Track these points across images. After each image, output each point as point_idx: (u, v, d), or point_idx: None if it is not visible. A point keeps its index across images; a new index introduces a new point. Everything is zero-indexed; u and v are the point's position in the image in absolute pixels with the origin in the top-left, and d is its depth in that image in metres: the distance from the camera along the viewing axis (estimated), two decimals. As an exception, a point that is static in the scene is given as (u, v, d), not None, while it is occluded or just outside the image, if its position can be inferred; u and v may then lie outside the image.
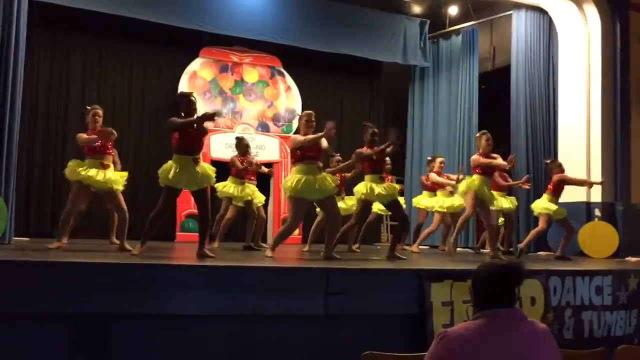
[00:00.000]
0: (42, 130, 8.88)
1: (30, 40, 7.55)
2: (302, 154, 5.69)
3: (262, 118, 10.13)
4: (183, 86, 9.52)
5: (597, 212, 8.71)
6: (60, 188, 8.83)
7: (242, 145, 7.55)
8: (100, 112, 6.10)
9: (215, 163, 9.01)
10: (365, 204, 6.45)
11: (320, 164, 5.80)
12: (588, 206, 8.80)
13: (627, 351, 3.44)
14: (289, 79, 10.30)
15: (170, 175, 5.16)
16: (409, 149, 11.09)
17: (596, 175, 8.67)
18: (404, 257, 6.21)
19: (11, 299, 3.54)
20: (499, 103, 10.09)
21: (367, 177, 6.33)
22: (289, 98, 10.30)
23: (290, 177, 5.72)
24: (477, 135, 7.13)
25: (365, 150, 6.33)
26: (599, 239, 8.26)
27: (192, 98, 5.46)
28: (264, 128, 10.10)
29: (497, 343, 2.30)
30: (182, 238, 8.88)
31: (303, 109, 10.16)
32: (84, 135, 5.97)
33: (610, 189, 8.80)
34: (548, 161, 8.09)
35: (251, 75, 10.13)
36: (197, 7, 9.06)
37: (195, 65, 9.72)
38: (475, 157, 6.88)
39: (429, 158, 8.97)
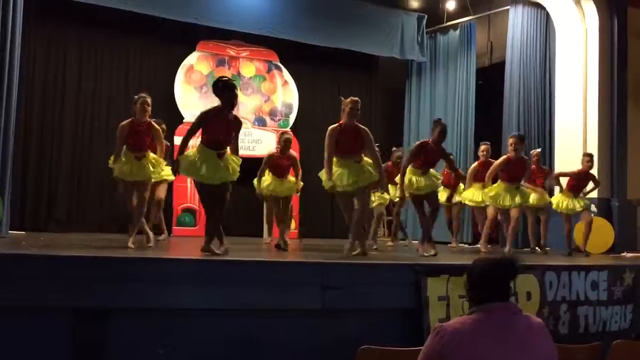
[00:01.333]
0: (38, 123, 8.84)
1: (26, 32, 7.52)
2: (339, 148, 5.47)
3: (259, 112, 10.11)
4: (179, 80, 9.50)
5: (593, 208, 8.72)
6: (56, 181, 8.84)
7: (280, 141, 6.96)
8: (149, 100, 5.65)
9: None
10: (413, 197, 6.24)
11: (359, 157, 5.56)
12: (584, 202, 8.82)
13: (622, 346, 3.46)
14: (285, 74, 10.28)
15: (191, 167, 4.86)
16: (406, 143, 11.08)
17: (593, 171, 8.70)
18: (432, 254, 6.06)
19: (10, 293, 3.53)
20: (496, 98, 10.09)
21: (410, 169, 6.16)
22: (285, 92, 10.28)
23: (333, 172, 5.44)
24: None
25: (430, 142, 6.14)
26: (595, 235, 8.27)
27: (235, 90, 5.15)
28: (260, 122, 10.08)
29: (493, 337, 2.31)
30: (178, 232, 8.87)
31: (300, 103, 10.20)
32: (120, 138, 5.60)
33: (606, 185, 8.83)
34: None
35: (248, 69, 10.10)
36: (195, 1, 9.03)
37: (192, 59, 9.69)
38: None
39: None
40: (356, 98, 5.64)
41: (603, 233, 8.32)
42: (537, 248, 7.92)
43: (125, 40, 9.40)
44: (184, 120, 9.06)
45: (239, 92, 9.98)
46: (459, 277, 4.51)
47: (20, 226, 7.96)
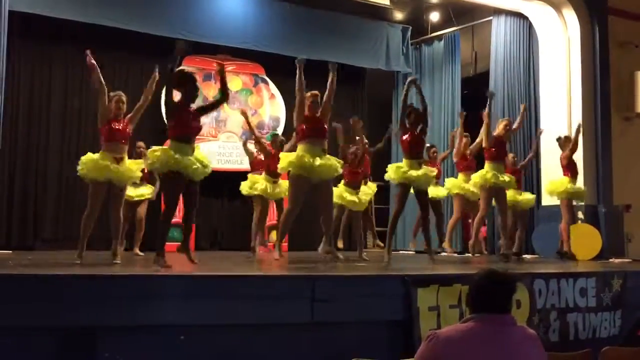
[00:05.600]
0: (24, 141, 8.78)
1: (11, 49, 7.49)
2: (306, 131, 5.65)
3: (247, 126, 10.09)
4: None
5: (580, 214, 8.78)
6: (43, 199, 8.75)
7: (276, 142, 7.27)
8: (124, 98, 5.69)
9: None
10: (404, 188, 6.18)
11: (325, 146, 5.70)
12: (571, 208, 8.87)
13: (612, 352, 3.47)
14: (272, 87, 10.30)
15: (169, 159, 4.72)
16: (394, 154, 11.12)
17: (579, 178, 8.78)
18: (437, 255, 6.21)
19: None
20: (481, 108, 10.14)
21: (405, 161, 6.18)
22: (272, 105, 10.29)
23: (291, 154, 5.60)
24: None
25: (406, 130, 6.18)
26: (582, 241, 8.31)
27: (196, 82, 5.14)
28: (248, 136, 10.07)
29: (485, 346, 2.32)
30: (167, 248, 8.79)
31: (287, 116, 10.21)
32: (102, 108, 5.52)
33: (592, 192, 8.89)
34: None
35: (234, 83, 10.11)
36: (180, 16, 9.05)
37: (178, 74, 9.67)
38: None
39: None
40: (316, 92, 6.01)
41: (591, 239, 8.36)
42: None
43: (110, 56, 9.35)
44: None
45: (226, 106, 10.12)
46: (449, 286, 4.54)
47: (6, 246, 7.89)
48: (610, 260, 7.93)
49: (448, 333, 2.38)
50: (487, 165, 6.88)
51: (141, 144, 7.07)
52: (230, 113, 10.03)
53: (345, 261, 6.31)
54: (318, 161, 5.50)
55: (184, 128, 4.89)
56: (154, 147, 4.98)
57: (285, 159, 5.80)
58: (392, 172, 6.26)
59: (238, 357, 3.92)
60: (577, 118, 9.07)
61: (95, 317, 3.64)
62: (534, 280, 5.00)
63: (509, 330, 2.40)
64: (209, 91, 9.89)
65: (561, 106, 9.24)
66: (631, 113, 9.55)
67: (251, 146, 7.81)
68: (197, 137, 9.34)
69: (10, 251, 7.45)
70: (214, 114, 9.86)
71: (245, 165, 9.31)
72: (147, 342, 3.75)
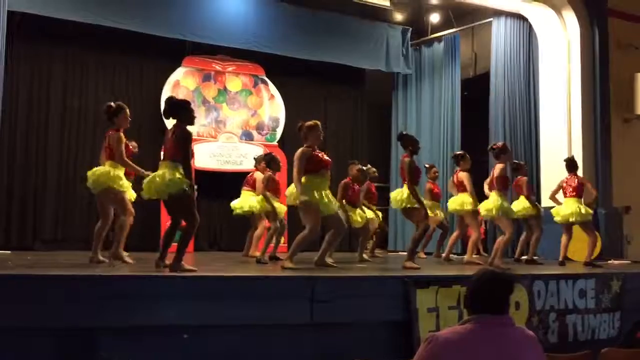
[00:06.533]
0: (22, 141, 8.76)
1: (9, 49, 7.49)
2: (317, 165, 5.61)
3: (246, 127, 10.11)
4: (166, 96, 9.46)
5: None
6: (42, 200, 8.75)
7: (276, 162, 7.24)
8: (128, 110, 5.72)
9: (198, 173, 9.05)
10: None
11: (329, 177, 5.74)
12: (571, 210, 8.86)
13: (611, 354, 3.47)
14: (272, 88, 10.30)
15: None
16: (393, 156, 11.12)
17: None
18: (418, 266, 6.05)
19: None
20: (481, 109, 10.17)
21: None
22: (272, 106, 10.29)
23: (306, 185, 5.51)
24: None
25: (406, 157, 6.25)
26: (582, 243, 8.31)
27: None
28: (247, 137, 10.08)
29: (484, 348, 2.32)
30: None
31: (287, 117, 10.22)
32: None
33: (592, 193, 8.88)
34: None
35: (234, 83, 10.12)
36: (180, 17, 9.03)
37: (178, 74, 9.69)
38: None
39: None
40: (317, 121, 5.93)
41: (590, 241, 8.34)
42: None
43: (110, 57, 9.37)
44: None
45: (225, 106, 10.12)
46: (448, 288, 4.54)
47: (5, 246, 7.88)
48: (610, 262, 7.92)
49: (447, 335, 2.38)
50: (496, 194, 6.69)
51: (134, 143, 7.05)
52: (229, 114, 10.03)
53: (345, 262, 6.29)
54: (324, 196, 5.51)
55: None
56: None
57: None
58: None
59: (238, 358, 3.93)
60: (577, 119, 9.07)
61: (95, 317, 3.64)
62: (533, 282, 5.00)
63: (508, 331, 2.40)
64: (208, 91, 9.89)
65: (561, 108, 9.23)
66: (631, 115, 9.56)
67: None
68: (197, 137, 9.49)
69: (9, 251, 7.44)
70: (213, 114, 9.89)
71: (244, 166, 9.34)
72: (146, 342, 3.75)
